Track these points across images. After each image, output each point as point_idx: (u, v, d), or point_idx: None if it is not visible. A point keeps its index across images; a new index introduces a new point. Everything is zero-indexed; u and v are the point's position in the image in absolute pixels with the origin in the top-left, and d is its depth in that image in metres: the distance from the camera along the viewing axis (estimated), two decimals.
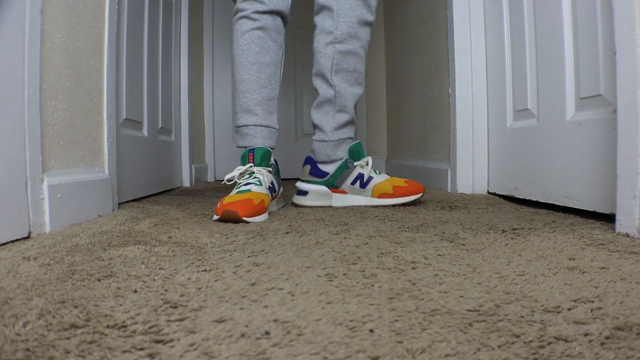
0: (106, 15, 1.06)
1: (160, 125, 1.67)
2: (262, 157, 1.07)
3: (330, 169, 1.20)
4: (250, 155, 1.07)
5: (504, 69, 1.32)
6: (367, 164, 1.19)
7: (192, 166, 2.04)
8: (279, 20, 1.17)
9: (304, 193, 1.21)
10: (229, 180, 1.06)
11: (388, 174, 2.18)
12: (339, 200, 1.19)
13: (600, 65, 0.90)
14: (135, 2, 1.39)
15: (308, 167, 1.23)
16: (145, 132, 1.50)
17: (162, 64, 1.69)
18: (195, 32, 2.26)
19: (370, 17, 1.18)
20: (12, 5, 0.71)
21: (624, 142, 0.74)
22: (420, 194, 1.16)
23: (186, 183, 1.99)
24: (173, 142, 1.85)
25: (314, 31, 1.20)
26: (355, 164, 1.19)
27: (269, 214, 1.04)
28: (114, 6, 1.09)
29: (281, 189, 1.20)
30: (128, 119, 1.34)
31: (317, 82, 1.21)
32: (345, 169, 1.18)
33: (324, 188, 1.20)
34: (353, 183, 1.18)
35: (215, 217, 0.94)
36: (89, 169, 0.98)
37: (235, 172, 1.05)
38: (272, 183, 1.08)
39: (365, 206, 1.18)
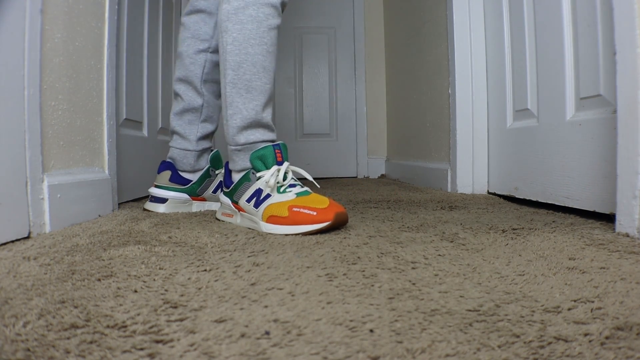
0: (106, 15, 1.06)
1: (160, 125, 1.67)
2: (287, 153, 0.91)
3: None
4: (278, 152, 0.88)
5: (504, 69, 1.32)
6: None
7: None
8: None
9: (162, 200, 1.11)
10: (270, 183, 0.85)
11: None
12: (198, 207, 1.13)
13: (600, 65, 0.90)
14: (135, 2, 1.39)
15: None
16: (145, 132, 1.50)
17: (162, 64, 1.69)
18: None
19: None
20: (12, 5, 0.71)
21: (624, 142, 0.74)
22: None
23: None
24: None
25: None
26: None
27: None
28: (114, 6, 1.09)
29: None
30: (128, 119, 1.34)
31: (184, 88, 1.14)
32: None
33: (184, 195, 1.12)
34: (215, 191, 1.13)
35: (317, 226, 0.77)
36: (89, 169, 0.98)
37: (280, 176, 0.85)
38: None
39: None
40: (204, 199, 1.15)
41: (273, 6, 0.91)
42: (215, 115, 1.15)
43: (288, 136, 2.61)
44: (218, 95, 1.14)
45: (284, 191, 0.84)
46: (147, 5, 1.51)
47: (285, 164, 0.87)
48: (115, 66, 1.13)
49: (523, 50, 1.21)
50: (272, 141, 0.93)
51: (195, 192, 1.14)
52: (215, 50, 1.10)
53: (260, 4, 0.89)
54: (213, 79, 1.12)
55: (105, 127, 1.05)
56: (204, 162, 1.14)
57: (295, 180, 0.88)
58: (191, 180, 1.12)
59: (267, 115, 0.92)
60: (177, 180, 1.11)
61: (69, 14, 0.90)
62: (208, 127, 1.13)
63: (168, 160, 1.13)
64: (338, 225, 0.81)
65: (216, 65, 1.11)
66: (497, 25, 1.37)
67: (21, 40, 0.74)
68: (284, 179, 0.86)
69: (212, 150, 1.16)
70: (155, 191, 1.10)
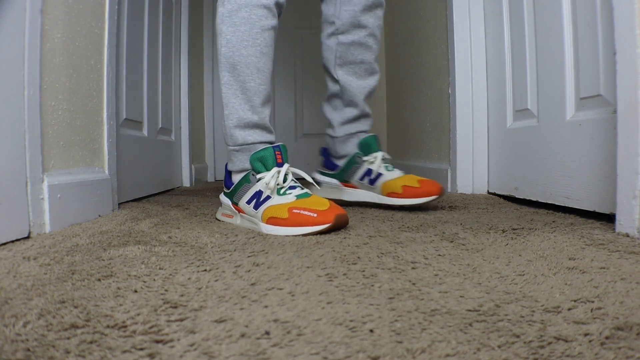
0: (106, 15, 1.06)
1: (160, 125, 1.67)
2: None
3: (340, 162, 1.16)
4: (278, 154, 0.88)
5: (504, 69, 1.32)
6: (377, 159, 1.11)
7: (192, 166, 2.04)
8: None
9: (318, 184, 1.19)
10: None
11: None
12: (350, 194, 1.15)
13: (600, 65, 0.90)
14: (135, 2, 1.39)
15: (322, 158, 1.21)
16: (145, 132, 1.50)
17: (162, 64, 1.69)
18: (195, 32, 2.26)
19: None
20: (12, 5, 0.71)
21: (624, 142, 0.74)
22: (433, 197, 1.00)
23: (186, 183, 1.99)
24: (173, 142, 1.85)
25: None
26: (364, 158, 1.12)
27: None
28: (114, 6, 1.09)
29: None
30: (128, 119, 1.34)
31: (325, 76, 1.17)
32: (354, 163, 1.13)
33: (334, 181, 1.17)
34: (361, 179, 1.12)
35: (317, 227, 0.78)
36: (89, 169, 0.98)
37: (280, 178, 0.85)
38: None
39: (375, 203, 1.13)
40: (355, 187, 1.15)
41: (266, 7, 0.91)
42: (357, 99, 1.14)
43: (288, 136, 2.61)
44: (358, 77, 1.13)
45: (284, 193, 0.84)
46: (147, 5, 1.51)
47: (286, 165, 0.87)
48: (115, 66, 1.13)
49: (523, 50, 1.21)
50: (271, 142, 0.93)
51: (343, 178, 1.15)
52: (344, 32, 1.11)
53: (253, 5, 0.90)
54: (347, 62, 1.12)
55: (105, 127, 1.05)
56: (351, 148, 1.15)
57: (296, 182, 0.88)
58: (339, 166, 1.16)
59: (264, 117, 0.93)
60: (328, 165, 1.18)
61: (69, 14, 0.90)
62: (352, 112, 1.14)
63: (325, 145, 1.21)
64: (338, 227, 0.81)
65: (348, 46, 1.11)
66: (497, 25, 1.37)
67: (21, 40, 0.74)
68: (284, 180, 0.86)
69: (365, 134, 1.15)
70: (315, 175, 1.20)
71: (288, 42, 2.59)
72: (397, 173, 1.09)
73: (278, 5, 0.94)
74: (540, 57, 1.14)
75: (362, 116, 1.15)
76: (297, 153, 2.54)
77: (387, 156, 1.13)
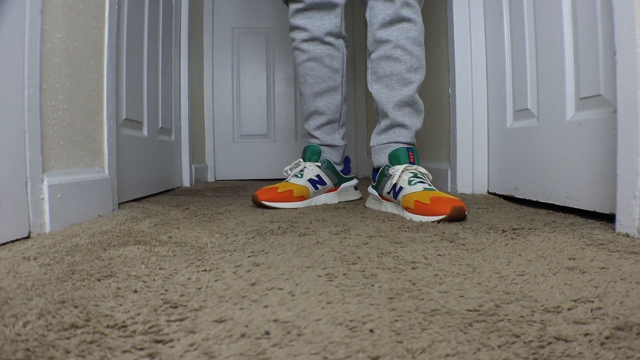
0: (106, 15, 1.06)
1: (160, 125, 1.67)
2: (311, 153, 1.24)
3: (377, 174, 1.16)
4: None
5: (504, 69, 1.32)
6: (396, 172, 1.06)
7: (192, 166, 2.04)
8: (329, 44, 1.20)
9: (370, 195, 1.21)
10: (287, 172, 1.27)
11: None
12: (385, 207, 1.12)
13: (600, 65, 0.90)
14: (135, 2, 1.39)
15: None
16: (145, 132, 1.50)
17: (162, 64, 1.69)
18: (195, 32, 2.26)
19: (406, 12, 1.09)
20: (12, 5, 0.71)
21: (624, 142, 0.74)
22: (440, 217, 0.90)
23: (186, 183, 1.99)
24: (173, 142, 1.85)
25: None
26: (390, 172, 1.08)
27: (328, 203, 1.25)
28: (114, 6, 1.09)
29: (348, 183, 1.32)
30: (128, 119, 1.34)
31: None
32: (383, 176, 1.11)
33: (375, 192, 1.16)
34: (389, 192, 1.08)
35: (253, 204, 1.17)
36: (89, 169, 0.98)
37: (287, 167, 1.26)
38: (317, 176, 1.22)
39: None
40: (387, 199, 1.11)
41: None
42: (387, 108, 1.14)
43: (288, 136, 2.61)
44: (391, 89, 1.13)
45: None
46: (147, 5, 1.51)
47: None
48: (115, 66, 1.13)
49: (523, 50, 1.21)
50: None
51: (378, 190, 1.14)
52: (372, 50, 1.16)
53: None
54: (379, 76, 1.15)
55: (105, 127, 1.05)
56: (383, 159, 1.14)
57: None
58: (375, 179, 1.18)
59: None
60: (373, 176, 1.20)
61: (69, 14, 0.90)
62: (384, 123, 1.16)
63: None
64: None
65: (377, 62, 1.15)
66: (497, 25, 1.37)
67: (21, 40, 0.74)
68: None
69: (397, 145, 1.12)
70: (369, 187, 1.23)
71: (288, 42, 2.59)
72: (417, 187, 1.00)
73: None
74: (540, 57, 1.14)
75: (395, 126, 1.13)
76: (297, 153, 2.54)
77: (418, 169, 1.06)
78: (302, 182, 1.20)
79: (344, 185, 1.31)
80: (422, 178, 1.05)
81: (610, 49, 0.85)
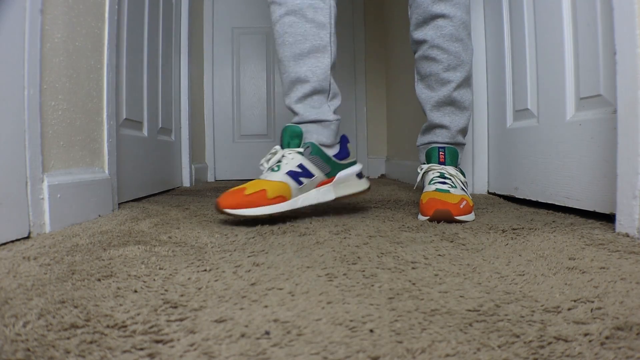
0: (106, 15, 1.06)
1: (160, 125, 1.67)
2: (290, 137, 0.95)
3: None
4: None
5: (504, 69, 1.32)
6: (421, 171, 1.07)
7: (192, 166, 2.04)
8: None
9: None
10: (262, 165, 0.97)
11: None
12: None
13: (600, 65, 0.90)
14: (135, 2, 1.39)
15: None
16: (145, 132, 1.50)
17: (162, 64, 1.69)
18: (195, 32, 2.26)
19: (438, 8, 1.02)
20: (12, 5, 0.71)
21: (624, 142, 0.74)
22: (426, 218, 0.92)
23: (186, 183, 1.99)
24: (173, 142, 1.85)
25: None
26: (418, 170, 1.09)
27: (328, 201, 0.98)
28: (114, 6, 1.09)
29: (347, 171, 1.01)
30: (128, 119, 1.34)
31: None
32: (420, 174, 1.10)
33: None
34: (422, 190, 1.08)
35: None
36: (89, 169, 0.98)
37: (431, 174, 1.02)
38: (300, 167, 0.92)
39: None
40: None
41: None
42: (426, 109, 1.12)
43: None
44: (431, 89, 1.11)
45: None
46: (147, 5, 1.51)
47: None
48: (115, 66, 1.13)
49: (523, 51, 1.21)
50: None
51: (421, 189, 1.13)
52: (414, 51, 1.12)
53: None
54: (422, 76, 1.12)
55: (105, 127, 1.05)
56: (422, 158, 1.13)
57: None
58: None
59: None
60: None
61: (69, 14, 0.90)
62: (425, 123, 1.12)
63: None
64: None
65: (418, 62, 1.11)
66: (497, 25, 1.37)
67: (21, 40, 0.74)
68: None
69: (431, 145, 1.09)
70: None
71: None
72: (431, 187, 1.00)
73: None
74: (540, 57, 1.14)
75: (434, 127, 1.10)
76: None
77: (445, 169, 1.03)
78: (279, 176, 0.90)
79: (341, 174, 1.00)
80: (449, 179, 1.00)
81: (610, 49, 0.85)
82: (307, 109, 0.98)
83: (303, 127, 0.96)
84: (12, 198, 0.70)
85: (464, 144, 1.13)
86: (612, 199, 0.83)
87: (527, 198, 1.19)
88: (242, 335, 0.36)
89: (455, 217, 0.89)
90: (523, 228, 0.81)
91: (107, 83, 1.05)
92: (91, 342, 0.35)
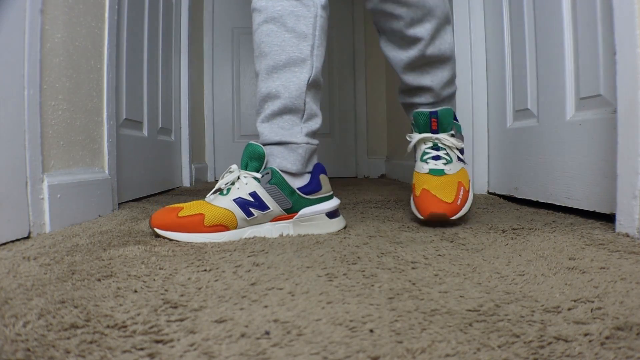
0: (106, 15, 1.06)
1: (160, 125, 1.67)
2: (249, 157, 0.79)
3: None
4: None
5: (504, 69, 1.32)
6: (411, 143, 0.98)
7: (192, 166, 2.04)
8: None
9: None
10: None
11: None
12: None
13: (600, 65, 0.90)
14: (135, 2, 1.39)
15: None
16: (145, 132, 1.50)
17: (162, 64, 1.69)
18: (195, 32, 2.26)
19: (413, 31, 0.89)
20: (12, 5, 0.71)
21: (624, 142, 0.74)
22: (421, 217, 0.87)
23: (186, 183, 1.99)
24: (173, 142, 1.85)
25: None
26: (407, 138, 1.01)
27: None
28: (114, 6, 1.09)
29: (314, 208, 0.82)
30: (128, 119, 1.34)
31: None
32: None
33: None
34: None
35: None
36: (89, 169, 0.98)
37: (227, 175, 0.81)
38: (253, 195, 0.77)
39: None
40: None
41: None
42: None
43: None
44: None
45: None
46: (147, 5, 1.51)
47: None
48: (115, 66, 1.13)
49: (523, 50, 1.21)
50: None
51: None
52: None
53: None
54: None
55: (105, 127, 1.05)
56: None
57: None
58: None
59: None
60: None
61: (69, 14, 0.90)
62: None
63: None
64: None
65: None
66: (497, 25, 1.37)
67: (21, 40, 0.74)
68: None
69: None
70: None
71: None
72: (423, 167, 0.95)
73: None
74: (540, 57, 1.14)
75: (414, 89, 1.00)
76: None
77: (439, 139, 0.94)
78: (225, 202, 0.76)
79: (305, 211, 0.81)
80: (443, 149, 0.90)
81: (610, 49, 0.85)
82: (273, 129, 0.82)
83: (267, 149, 0.81)
84: (12, 198, 0.70)
85: (454, 92, 0.99)
86: (612, 199, 0.83)
87: (527, 198, 1.19)
88: (242, 335, 0.36)
89: (452, 218, 0.85)
90: (523, 228, 0.81)
91: (107, 83, 1.05)
92: (91, 342, 0.35)
